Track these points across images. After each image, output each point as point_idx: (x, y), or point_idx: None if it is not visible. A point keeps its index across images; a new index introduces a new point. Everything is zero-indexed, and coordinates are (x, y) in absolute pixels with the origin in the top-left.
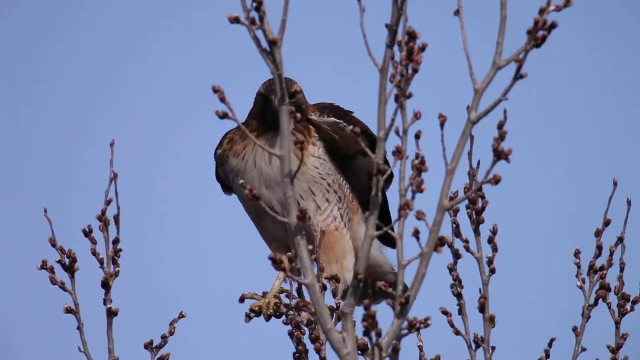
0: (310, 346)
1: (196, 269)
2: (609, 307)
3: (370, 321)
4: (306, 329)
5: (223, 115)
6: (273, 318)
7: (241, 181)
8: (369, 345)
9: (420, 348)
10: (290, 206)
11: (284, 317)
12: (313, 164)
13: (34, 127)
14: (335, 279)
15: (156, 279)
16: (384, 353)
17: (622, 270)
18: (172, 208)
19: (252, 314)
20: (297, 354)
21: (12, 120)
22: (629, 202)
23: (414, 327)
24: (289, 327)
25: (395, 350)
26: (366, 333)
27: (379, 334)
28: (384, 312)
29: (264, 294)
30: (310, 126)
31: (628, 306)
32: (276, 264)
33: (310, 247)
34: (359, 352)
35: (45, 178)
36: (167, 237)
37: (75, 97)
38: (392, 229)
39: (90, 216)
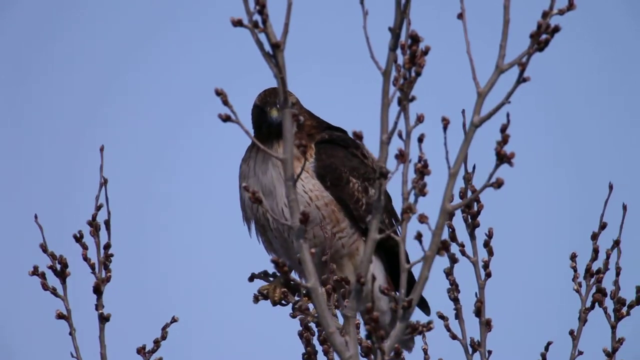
0: (319, 347)
1: (188, 273)
2: (605, 312)
3: (373, 324)
4: (316, 330)
5: (226, 118)
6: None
7: (244, 184)
8: (372, 349)
9: (425, 351)
10: (292, 209)
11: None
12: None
13: (25, 131)
14: (346, 281)
15: (148, 284)
16: (386, 356)
17: (618, 274)
18: (163, 212)
19: (260, 297)
20: (306, 355)
21: (6, 123)
22: (624, 207)
23: (416, 330)
24: (299, 328)
25: (398, 354)
26: (369, 336)
27: (381, 338)
28: None
29: (273, 275)
30: (313, 145)
31: (624, 310)
32: (279, 267)
33: (313, 250)
34: (362, 355)
35: (35, 184)
36: (158, 242)
37: (70, 101)
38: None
39: (81, 222)
